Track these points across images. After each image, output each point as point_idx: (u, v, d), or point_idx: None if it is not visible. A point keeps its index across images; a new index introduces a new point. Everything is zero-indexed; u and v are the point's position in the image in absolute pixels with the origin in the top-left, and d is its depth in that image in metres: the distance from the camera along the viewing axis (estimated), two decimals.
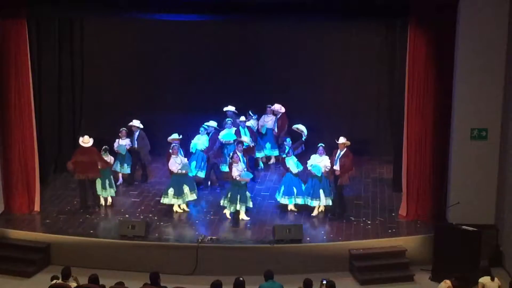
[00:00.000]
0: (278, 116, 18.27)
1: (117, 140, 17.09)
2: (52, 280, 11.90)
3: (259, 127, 18.41)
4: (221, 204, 15.45)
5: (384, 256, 14.28)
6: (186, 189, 15.60)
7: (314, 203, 15.46)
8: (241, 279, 11.64)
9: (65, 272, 11.88)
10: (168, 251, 14.15)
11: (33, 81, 15.52)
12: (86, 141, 15.63)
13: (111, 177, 16.23)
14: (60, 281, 11.79)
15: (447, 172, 15.10)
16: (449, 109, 14.81)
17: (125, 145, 17.06)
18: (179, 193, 15.54)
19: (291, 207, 15.72)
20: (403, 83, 15.24)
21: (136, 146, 17.19)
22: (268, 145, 18.52)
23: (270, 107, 18.31)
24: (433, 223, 14.80)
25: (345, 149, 15.24)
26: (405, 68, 15.00)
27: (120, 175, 17.31)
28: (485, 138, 14.68)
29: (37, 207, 15.68)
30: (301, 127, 16.72)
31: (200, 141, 17.04)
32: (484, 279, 12.18)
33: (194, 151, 17.05)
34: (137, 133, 17.19)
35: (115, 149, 16.97)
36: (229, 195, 15.18)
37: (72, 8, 15.36)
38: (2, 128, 15.45)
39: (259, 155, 18.38)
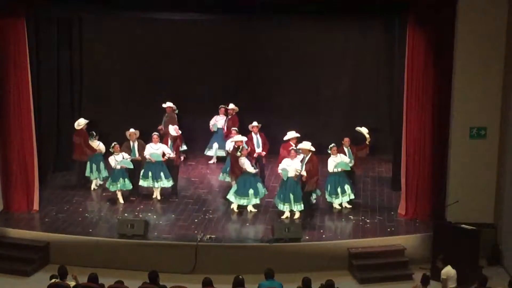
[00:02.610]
0: (230, 116, 17.80)
1: (112, 157, 15.93)
2: (51, 279, 11.89)
3: (211, 126, 18.17)
4: (278, 204, 15.30)
5: (383, 254, 14.28)
6: (251, 191, 15.36)
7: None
8: (241, 277, 11.65)
9: (61, 271, 11.85)
10: (167, 250, 14.13)
11: (32, 81, 15.49)
12: (80, 124, 16.66)
13: (101, 163, 16.65)
14: (58, 280, 11.80)
15: (446, 171, 15.10)
16: (448, 108, 14.79)
17: (126, 158, 15.89)
18: (244, 194, 15.39)
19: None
20: (402, 81, 15.24)
21: (137, 156, 16.26)
22: (215, 145, 18.28)
23: (223, 107, 17.99)
24: (432, 222, 14.78)
25: (310, 154, 15.05)
26: (404, 66, 14.99)
27: (119, 193, 16.11)
28: (484, 137, 14.68)
29: (36, 206, 15.66)
30: (364, 130, 16.10)
31: (158, 150, 16.04)
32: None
33: (155, 160, 16.00)
34: (136, 143, 16.33)
35: (116, 166, 15.84)
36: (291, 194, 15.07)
37: (71, 7, 15.37)
38: (1, 127, 15.43)
39: (209, 153, 18.39)
